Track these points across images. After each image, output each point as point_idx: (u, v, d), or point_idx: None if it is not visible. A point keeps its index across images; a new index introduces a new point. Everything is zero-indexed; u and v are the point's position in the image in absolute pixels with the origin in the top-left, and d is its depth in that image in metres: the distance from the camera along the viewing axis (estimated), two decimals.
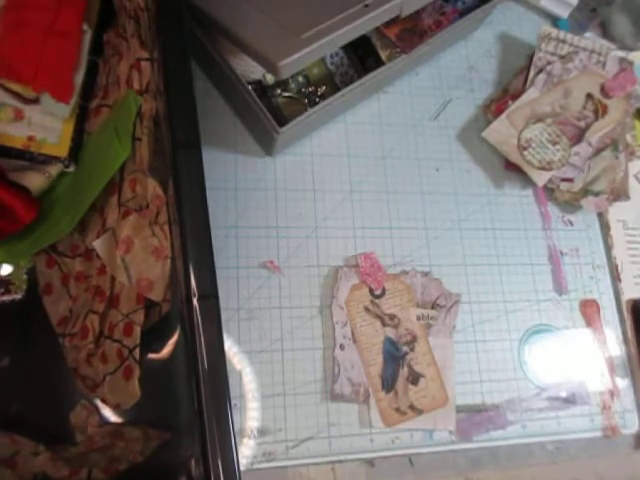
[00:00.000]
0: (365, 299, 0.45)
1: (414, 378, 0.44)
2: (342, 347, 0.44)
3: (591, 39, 0.61)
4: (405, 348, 0.44)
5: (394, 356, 0.43)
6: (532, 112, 0.56)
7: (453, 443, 0.46)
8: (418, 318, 0.45)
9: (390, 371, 0.43)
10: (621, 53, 0.59)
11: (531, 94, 0.57)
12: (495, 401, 0.49)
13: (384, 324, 0.44)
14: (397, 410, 0.43)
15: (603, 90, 0.57)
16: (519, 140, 0.55)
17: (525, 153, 0.54)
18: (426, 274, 0.48)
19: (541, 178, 0.54)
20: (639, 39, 0.64)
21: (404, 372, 0.43)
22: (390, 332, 0.44)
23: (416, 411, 0.43)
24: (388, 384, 0.43)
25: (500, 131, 0.56)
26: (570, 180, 0.55)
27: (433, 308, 0.46)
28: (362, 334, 0.44)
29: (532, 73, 0.58)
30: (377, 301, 0.45)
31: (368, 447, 0.44)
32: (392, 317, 0.45)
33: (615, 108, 0.56)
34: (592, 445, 0.49)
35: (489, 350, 0.50)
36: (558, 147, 0.54)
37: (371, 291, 0.45)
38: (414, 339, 0.44)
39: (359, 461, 0.44)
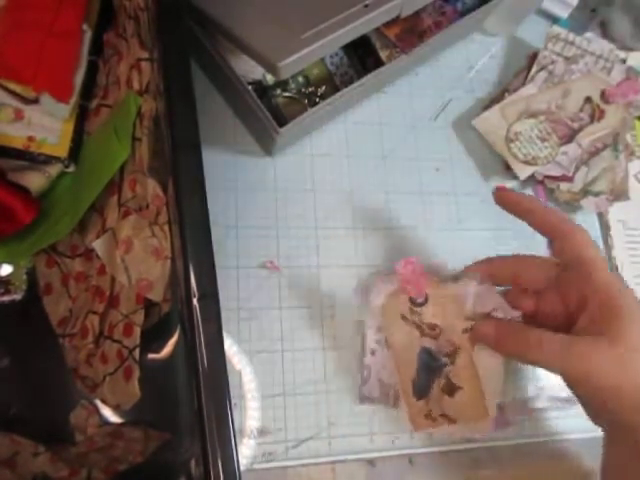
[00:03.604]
0: (403, 307, 0.40)
1: (450, 390, 0.40)
2: (373, 352, 0.41)
3: (598, 43, 0.60)
4: (444, 359, 0.40)
5: (430, 366, 0.40)
6: (526, 107, 0.56)
7: (453, 443, 0.46)
8: (465, 331, 0.39)
9: (424, 380, 0.40)
10: (623, 54, 0.59)
11: (529, 90, 0.57)
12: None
13: (423, 334, 0.40)
14: (427, 417, 0.40)
15: (604, 95, 0.57)
16: (508, 132, 0.55)
17: (511, 145, 0.54)
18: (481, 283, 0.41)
19: (523, 172, 0.54)
20: (639, 39, 0.64)
21: (440, 382, 0.40)
22: (428, 342, 0.40)
23: (448, 419, 0.40)
24: (420, 391, 0.40)
25: (490, 121, 0.56)
26: (555, 178, 0.54)
27: None
28: (397, 342, 0.40)
29: (534, 70, 0.58)
30: (417, 309, 0.40)
31: (368, 447, 0.44)
32: (433, 327, 0.40)
33: (613, 115, 0.56)
34: (592, 445, 0.49)
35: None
36: (546, 144, 0.54)
37: (412, 299, 0.40)
38: (456, 351, 0.39)
39: (359, 461, 0.44)
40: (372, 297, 0.41)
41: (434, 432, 0.40)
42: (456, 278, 0.40)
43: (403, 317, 0.40)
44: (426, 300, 0.40)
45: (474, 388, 0.39)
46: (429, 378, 0.39)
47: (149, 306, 0.35)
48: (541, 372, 0.50)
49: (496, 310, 0.39)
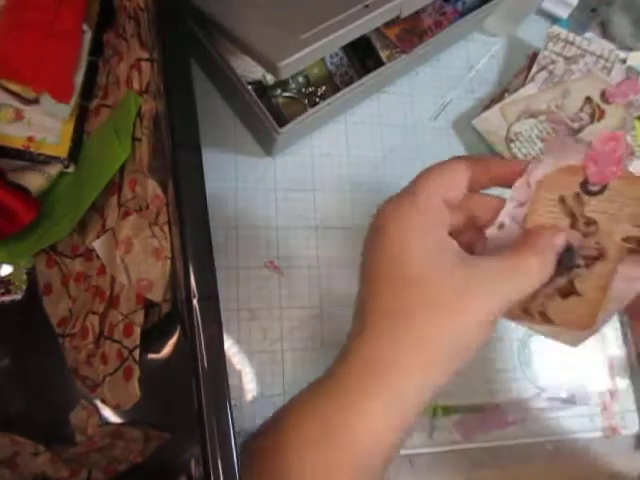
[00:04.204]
0: (569, 189, 0.33)
1: (567, 292, 0.34)
2: (501, 226, 0.34)
3: (598, 43, 0.60)
4: (580, 261, 0.34)
5: (561, 263, 0.33)
6: (526, 107, 0.56)
7: (453, 443, 0.46)
8: (626, 239, 0.33)
9: None
10: (623, 54, 0.59)
11: (529, 89, 0.57)
12: (495, 401, 0.49)
13: (573, 226, 0.33)
14: (524, 310, 0.35)
15: (604, 95, 0.57)
16: (508, 132, 0.55)
17: (511, 145, 0.54)
18: None
19: None
20: (639, 39, 0.64)
21: (559, 281, 0.34)
22: (574, 237, 0.33)
23: (545, 319, 0.35)
24: None
25: (491, 121, 0.56)
26: None
27: None
28: (537, 224, 0.34)
29: (534, 70, 0.58)
30: (585, 198, 0.33)
31: None
32: (589, 223, 0.33)
33: (613, 115, 0.56)
34: (592, 445, 0.49)
35: (489, 350, 0.50)
36: None
37: (585, 182, 0.33)
38: (599, 257, 0.34)
39: None
40: (538, 164, 0.34)
41: (521, 324, 0.35)
42: None
43: (562, 200, 0.33)
44: (602, 190, 0.33)
45: (594, 299, 0.34)
46: (552, 274, 0.34)
47: (149, 306, 0.35)
48: (541, 372, 0.50)
49: None
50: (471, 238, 0.32)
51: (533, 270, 0.29)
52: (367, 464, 0.28)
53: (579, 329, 0.34)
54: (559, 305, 0.34)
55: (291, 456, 0.27)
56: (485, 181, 0.31)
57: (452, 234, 0.29)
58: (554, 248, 0.30)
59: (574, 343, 0.34)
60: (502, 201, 0.32)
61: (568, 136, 0.34)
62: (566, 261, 0.33)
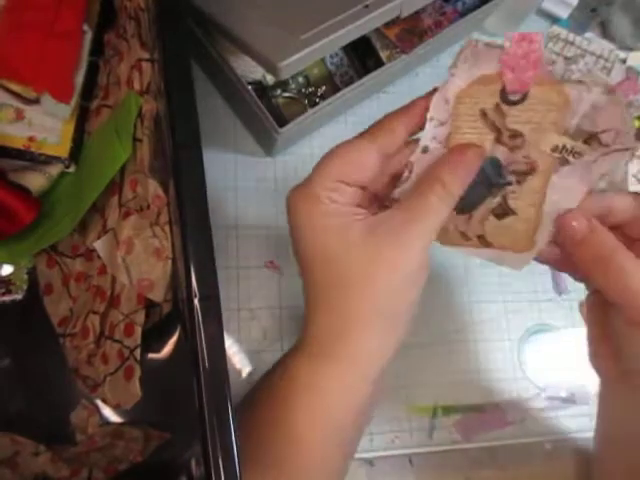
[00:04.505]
0: (489, 100, 0.31)
1: (502, 213, 0.33)
2: (425, 150, 0.32)
3: (598, 43, 0.60)
4: (510, 177, 0.32)
5: (490, 182, 0.32)
6: None
7: (453, 443, 0.46)
8: (554, 149, 0.31)
9: (475, 195, 0.33)
10: (623, 54, 0.59)
11: None
12: (495, 401, 0.49)
13: (498, 141, 0.31)
14: (462, 234, 0.34)
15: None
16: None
17: None
18: (610, 92, 0.32)
19: None
20: (639, 39, 0.64)
21: (492, 202, 0.32)
22: (501, 153, 0.31)
23: (484, 242, 0.33)
24: (465, 206, 0.33)
25: None
26: None
27: (586, 142, 0.31)
28: (462, 143, 0.32)
29: None
30: (505, 108, 0.30)
31: (368, 447, 0.44)
32: (515, 136, 0.31)
33: None
34: (592, 445, 0.50)
35: (489, 350, 0.50)
36: None
37: (504, 91, 0.30)
38: (530, 171, 0.31)
39: (359, 460, 0.44)
40: (452, 78, 0.32)
41: (461, 250, 0.34)
42: (580, 82, 0.30)
43: (483, 114, 0.31)
44: (523, 99, 0.30)
45: (530, 217, 0.32)
46: (482, 194, 0.32)
47: (150, 306, 0.35)
48: (541, 372, 0.50)
49: (606, 132, 0.30)
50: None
51: (431, 208, 0.29)
52: (336, 418, 0.31)
53: (518, 251, 0.33)
54: (496, 227, 0.33)
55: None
56: (401, 137, 0.31)
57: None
58: (441, 180, 0.29)
59: (518, 266, 0.33)
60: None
61: (479, 41, 0.30)
62: (494, 178, 0.32)
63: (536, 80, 0.30)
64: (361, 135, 0.31)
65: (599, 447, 0.43)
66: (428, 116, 0.32)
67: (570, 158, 0.31)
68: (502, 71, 0.30)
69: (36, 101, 0.39)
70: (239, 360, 0.44)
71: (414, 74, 0.58)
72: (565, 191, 0.31)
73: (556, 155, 0.31)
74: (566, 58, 0.59)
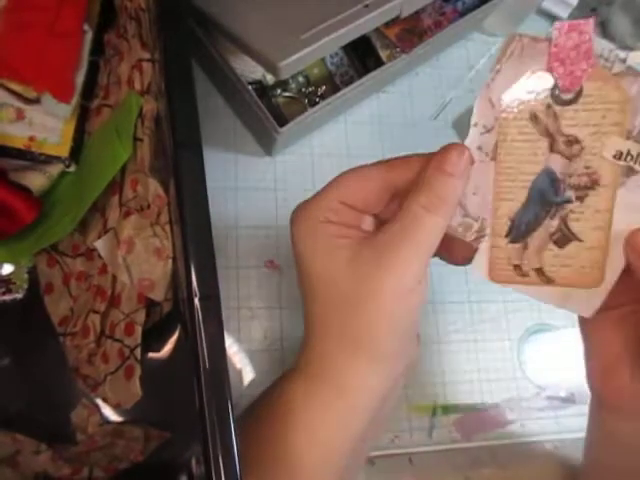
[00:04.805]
0: (539, 101, 0.27)
1: (563, 238, 0.28)
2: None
3: (598, 43, 0.60)
4: (570, 194, 0.27)
5: (546, 199, 0.27)
6: None
7: (453, 442, 0.46)
8: (618, 156, 0.26)
9: (530, 216, 0.28)
10: (623, 54, 0.59)
11: None
12: (495, 400, 0.49)
13: (553, 148, 0.27)
14: (516, 267, 0.29)
15: None
16: None
17: None
18: None
19: None
20: (639, 39, 0.64)
21: (551, 224, 0.28)
22: (557, 163, 0.27)
23: (544, 278, 0.29)
24: (518, 232, 0.28)
25: None
26: None
27: None
28: (510, 152, 0.28)
29: None
30: (558, 109, 0.26)
31: None
32: (572, 141, 0.27)
33: None
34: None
35: (489, 350, 0.50)
36: None
37: (555, 90, 0.26)
38: (593, 185, 0.27)
39: None
40: (497, 76, 0.27)
41: (517, 289, 0.29)
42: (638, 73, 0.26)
43: (533, 117, 0.27)
44: (577, 97, 0.26)
45: (599, 242, 0.27)
46: (538, 215, 0.28)
47: (150, 305, 0.35)
48: (541, 372, 0.50)
49: None
50: None
51: (416, 221, 0.26)
52: (334, 446, 0.30)
53: (586, 286, 0.28)
54: (557, 257, 0.28)
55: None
56: (414, 170, 0.28)
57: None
58: (435, 187, 0.26)
59: (586, 309, 0.28)
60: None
61: (524, 36, 0.27)
62: (550, 195, 0.27)
63: (592, 74, 0.26)
64: (376, 165, 0.30)
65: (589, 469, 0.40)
66: (472, 121, 0.28)
67: (636, 167, 0.26)
68: (551, 65, 0.26)
69: (37, 101, 0.39)
70: (239, 360, 0.44)
71: (414, 74, 0.58)
72: (635, 208, 0.26)
73: (621, 163, 0.26)
74: None
